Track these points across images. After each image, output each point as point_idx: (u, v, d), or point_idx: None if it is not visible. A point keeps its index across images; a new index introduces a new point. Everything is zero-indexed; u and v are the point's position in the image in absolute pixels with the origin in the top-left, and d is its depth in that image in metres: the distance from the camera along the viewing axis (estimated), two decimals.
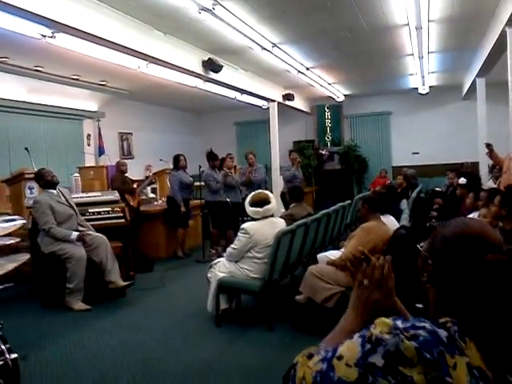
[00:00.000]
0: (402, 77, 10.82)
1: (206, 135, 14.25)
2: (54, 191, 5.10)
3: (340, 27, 6.92)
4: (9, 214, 5.77)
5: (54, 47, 6.28)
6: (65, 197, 5.16)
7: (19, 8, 4.41)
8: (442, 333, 0.93)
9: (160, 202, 8.24)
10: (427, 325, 0.94)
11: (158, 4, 5.54)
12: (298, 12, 6.22)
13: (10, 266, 2.52)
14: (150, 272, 6.45)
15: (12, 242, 2.63)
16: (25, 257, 2.65)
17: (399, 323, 0.95)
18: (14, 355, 2.62)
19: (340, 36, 7.36)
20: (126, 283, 5.13)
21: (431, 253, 1.08)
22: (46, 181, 5.11)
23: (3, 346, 2.59)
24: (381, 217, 4.51)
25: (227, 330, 4.20)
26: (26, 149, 6.88)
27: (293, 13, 6.25)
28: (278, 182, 10.20)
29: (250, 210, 4.32)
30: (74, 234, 4.96)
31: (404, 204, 5.99)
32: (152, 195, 8.51)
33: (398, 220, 4.91)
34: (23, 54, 7.23)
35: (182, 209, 7.20)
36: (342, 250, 4.47)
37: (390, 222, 4.55)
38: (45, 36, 5.73)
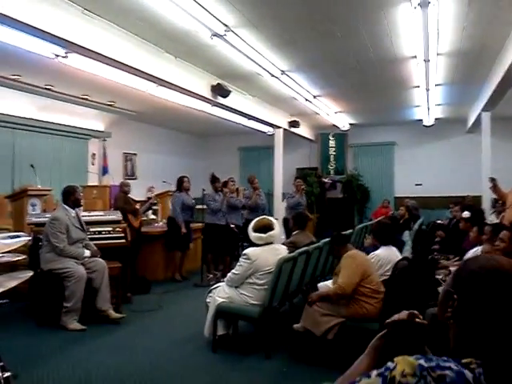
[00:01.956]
0: (407, 108, 10.91)
1: (209, 159, 14.30)
2: (73, 212, 5.10)
3: (348, 57, 7.02)
4: (9, 230, 5.77)
5: (65, 67, 6.38)
6: (79, 219, 5.16)
7: (34, 27, 4.50)
8: (468, 374, 0.88)
9: (161, 223, 8.22)
10: (452, 365, 0.89)
11: (170, 27, 5.62)
12: (308, 40, 6.32)
13: (12, 283, 2.49)
14: (146, 294, 6.38)
15: (19, 258, 2.60)
16: (28, 274, 2.63)
17: (423, 362, 0.90)
18: (6, 374, 2.58)
19: (348, 65, 7.46)
20: (117, 316, 5.06)
21: (457, 287, 1.03)
22: (75, 199, 5.14)
23: None
24: (384, 247, 4.50)
25: (224, 356, 4.13)
26: (32, 166, 6.92)
27: (303, 41, 6.35)
28: (280, 209, 10.19)
29: (253, 235, 4.29)
30: (87, 253, 5.01)
31: (406, 235, 5.95)
32: (153, 216, 8.50)
33: (400, 251, 4.88)
34: (35, 73, 7.34)
35: (183, 230, 7.17)
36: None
37: (393, 253, 4.50)
38: (58, 56, 5.83)
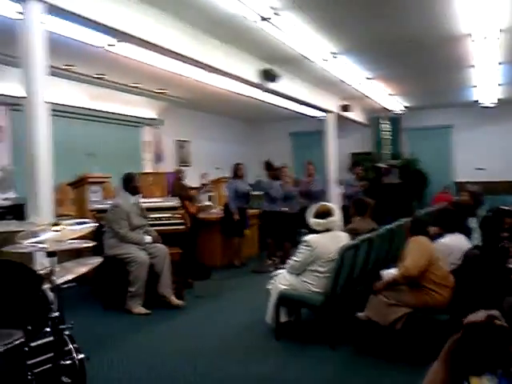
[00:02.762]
0: (464, 89, 10.39)
1: (260, 145, 14.20)
2: (133, 199, 5.17)
3: (401, 37, 6.69)
4: (72, 217, 5.92)
5: (116, 56, 6.44)
6: (140, 206, 5.22)
7: (86, 18, 4.52)
8: None
9: (217, 210, 8.23)
10: None
11: (216, 12, 5.51)
12: (359, 21, 6.06)
13: (82, 270, 2.51)
14: (206, 280, 6.41)
15: (90, 244, 2.62)
16: (98, 260, 2.64)
17: None
18: (81, 355, 2.61)
19: (400, 46, 7.13)
20: (178, 302, 5.12)
21: None
22: (133, 186, 5.24)
23: (71, 346, 2.58)
24: (450, 235, 4.29)
25: (287, 344, 4.09)
26: (91, 154, 7.07)
27: (353, 22, 6.10)
28: (335, 195, 10.00)
29: (312, 221, 4.20)
30: (148, 239, 5.10)
31: (473, 222, 5.67)
32: (208, 203, 8.52)
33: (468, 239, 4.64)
34: (87, 62, 7.43)
35: (236, 217, 7.15)
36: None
37: (461, 241, 4.30)
38: (109, 45, 5.89)
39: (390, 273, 4.33)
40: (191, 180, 8.26)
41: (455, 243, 4.20)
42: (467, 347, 1.11)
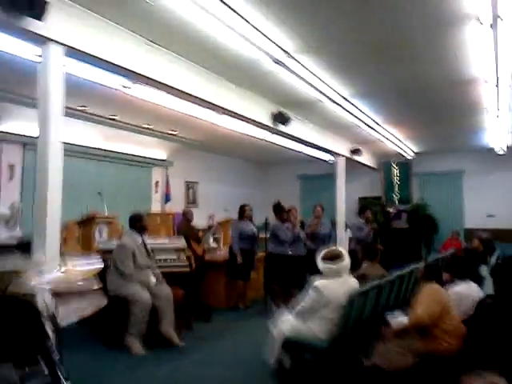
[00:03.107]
0: (476, 133, 10.42)
1: (269, 187, 14.23)
2: (140, 238, 5.15)
3: (414, 81, 6.78)
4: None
5: (129, 97, 6.58)
6: (146, 246, 5.20)
7: (102, 59, 4.65)
8: None
9: (223, 251, 8.15)
10: None
11: (230, 55, 5.63)
12: (372, 65, 6.15)
13: (87, 312, 2.46)
14: (208, 322, 6.28)
15: (97, 287, 2.58)
16: (102, 302, 2.60)
17: None
18: None
19: (413, 90, 7.22)
20: (180, 343, 5.03)
21: None
22: (141, 225, 5.25)
23: None
24: (462, 283, 4.20)
25: None
26: (99, 193, 7.10)
27: (367, 66, 6.19)
28: (344, 238, 9.91)
29: (321, 265, 4.12)
30: (153, 280, 5.05)
31: (484, 270, 5.56)
32: (214, 245, 8.46)
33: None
34: (101, 104, 7.59)
35: (239, 259, 7.03)
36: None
37: (473, 290, 4.19)
38: (123, 86, 6.02)
39: (397, 320, 4.21)
40: (198, 221, 8.24)
41: (467, 291, 4.10)
42: None
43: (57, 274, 2.49)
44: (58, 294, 2.42)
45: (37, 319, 2.04)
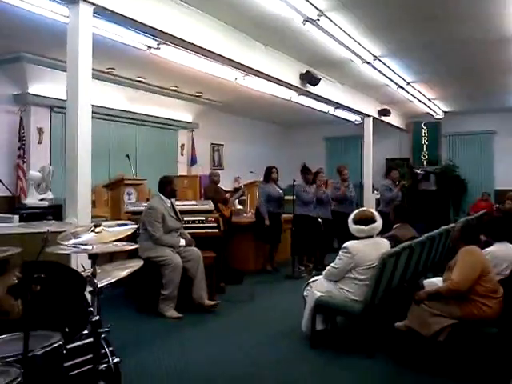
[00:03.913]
0: (509, 94, 10.07)
1: (295, 149, 14.10)
2: (169, 201, 5.17)
3: (449, 39, 6.55)
4: (107, 218, 5.96)
5: (156, 58, 6.50)
6: (175, 209, 5.21)
7: (130, 18, 4.57)
8: None
9: (249, 214, 8.17)
10: None
11: (260, 14, 5.50)
12: (406, 23, 5.96)
13: (123, 273, 2.48)
14: (239, 284, 6.35)
15: (132, 247, 2.60)
16: (138, 263, 2.61)
17: None
18: (116, 359, 2.58)
19: (448, 48, 6.97)
20: (212, 303, 5.07)
21: None
22: (171, 189, 5.23)
23: (107, 349, 2.55)
24: (498, 244, 4.10)
25: (323, 352, 3.96)
26: (127, 156, 7.12)
27: (400, 24, 5.99)
28: (371, 201, 9.81)
29: (353, 227, 4.07)
30: (182, 242, 5.07)
31: None
32: (240, 207, 8.47)
33: None
34: (127, 65, 7.55)
35: (266, 222, 7.00)
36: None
37: (509, 251, 4.10)
38: (150, 47, 5.94)
39: (432, 282, 4.17)
40: (224, 183, 8.24)
41: (504, 252, 4.01)
42: None
43: (91, 235, 2.50)
44: (93, 255, 2.43)
45: (79, 285, 2.06)
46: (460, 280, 3.45)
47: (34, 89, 7.51)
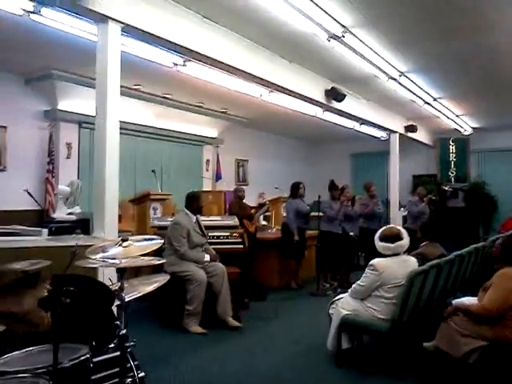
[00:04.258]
0: None
1: (320, 165, 14.08)
2: (194, 217, 5.20)
3: (476, 51, 6.44)
4: (132, 233, 6.01)
5: (182, 75, 6.61)
6: (200, 225, 5.24)
7: (157, 36, 4.65)
8: None
9: (274, 230, 8.14)
10: None
11: (285, 31, 5.55)
12: (431, 36, 5.89)
13: (150, 288, 2.49)
14: (263, 301, 6.31)
15: (160, 262, 2.63)
16: (165, 277, 2.63)
17: None
18: (142, 373, 2.58)
19: (474, 64, 6.89)
20: (235, 324, 5.03)
21: None
22: (198, 205, 5.26)
23: (132, 363, 2.56)
24: None
25: (349, 372, 3.89)
26: (153, 171, 7.21)
27: (426, 39, 5.96)
28: (397, 217, 9.69)
29: (380, 245, 4.02)
30: (207, 257, 5.09)
31: None
32: (264, 222, 8.46)
33: None
34: (154, 82, 7.68)
35: (296, 237, 6.98)
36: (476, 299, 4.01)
37: None
38: (176, 64, 6.04)
39: (461, 302, 4.07)
40: (249, 199, 8.24)
41: None
42: None
43: (118, 249, 2.52)
44: (121, 269, 2.45)
45: (108, 299, 2.07)
46: (491, 306, 3.37)
47: (63, 105, 7.69)
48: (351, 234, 7.10)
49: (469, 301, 4.01)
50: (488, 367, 3.35)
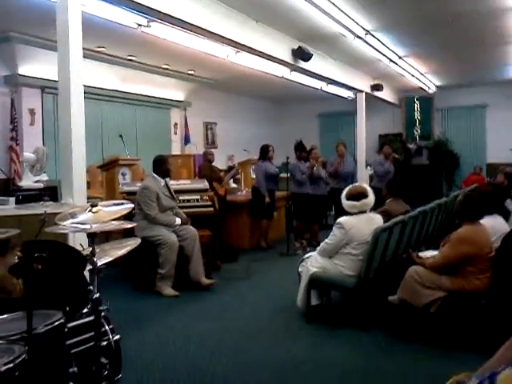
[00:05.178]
0: (502, 66, 10.08)
1: (288, 126, 14.10)
2: (163, 181, 5.18)
3: (440, 11, 6.49)
4: (101, 199, 5.97)
5: (147, 36, 6.43)
6: (169, 188, 5.23)
7: None
8: None
9: (244, 192, 8.21)
10: None
11: None
12: None
13: (121, 252, 2.52)
14: (234, 262, 6.43)
15: (130, 225, 2.65)
16: (137, 241, 2.65)
17: None
18: (116, 336, 2.64)
19: (439, 21, 6.93)
20: (209, 282, 5.13)
21: None
22: (165, 169, 5.24)
23: (107, 327, 2.61)
24: (488, 217, 4.15)
25: (318, 327, 4.06)
26: (121, 136, 7.10)
27: None
28: (364, 176, 9.87)
29: (346, 203, 4.13)
30: (178, 220, 5.10)
31: (509, 204, 5.51)
32: (234, 185, 8.51)
33: (506, 221, 4.50)
34: (118, 44, 7.47)
35: (267, 199, 7.08)
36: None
37: (499, 223, 4.17)
38: (140, 25, 5.88)
39: (425, 256, 4.25)
40: (218, 162, 8.25)
41: (493, 225, 4.06)
42: None
43: (88, 214, 2.52)
44: (91, 234, 2.46)
45: (80, 264, 2.09)
46: (441, 262, 3.59)
47: (24, 70, 7.43)
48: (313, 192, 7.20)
49: (431, 254, 4.20)
50: (448, 316, 3.55)
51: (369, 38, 7.45)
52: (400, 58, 9.04)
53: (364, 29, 7.08)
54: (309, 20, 6.53)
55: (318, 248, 4.27)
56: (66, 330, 2.19)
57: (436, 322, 3.59)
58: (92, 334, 2.44)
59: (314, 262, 4.18)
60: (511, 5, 6.11)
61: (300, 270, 4.35)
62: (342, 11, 6.20)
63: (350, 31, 6.98)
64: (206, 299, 4.87)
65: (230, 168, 8.14)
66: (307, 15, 6.29)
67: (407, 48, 8.51)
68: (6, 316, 2.16)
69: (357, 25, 6.81)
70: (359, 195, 4.12)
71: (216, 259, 5.89)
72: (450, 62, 9.84)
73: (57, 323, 2.09)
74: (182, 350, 3.62)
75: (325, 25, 6.70)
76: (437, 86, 12.10)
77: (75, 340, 2.41)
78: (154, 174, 5.22)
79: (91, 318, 2.47)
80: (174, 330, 4.02)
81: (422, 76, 10.81)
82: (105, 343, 2.49)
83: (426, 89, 11.93)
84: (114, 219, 2.56)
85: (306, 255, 4.48)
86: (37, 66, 7.44)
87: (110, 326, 2.66)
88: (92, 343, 2.45)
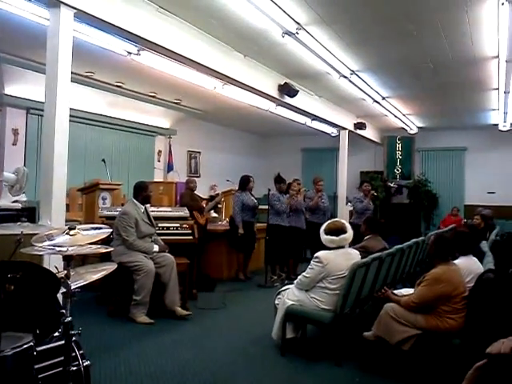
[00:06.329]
0: (481, 111, 10.41)
1: (271, 159, 14.24)
2: (142, 207, 5.17)
3: (424, 57, 6.76)
4: (80, 223, 5.91)
5: (136, 64, 6.53)
6: (148, 215, 5.22)
7: (110, 23, 4.58)
8: None
9: (224, 222, 8.21)
10: None
11: (241, 25, 5.59)
12: (383, 40, 6.13)
13: (97, 276, 2.50)
14: (211, 292, 6.37)
15: (107, 250, 2.63)
16: (113, 266, 2.63)
17: None
18: (87, 362, 2.58)
19: (422, 66, 7.18)
20: (184, 313, 5.07)
21: None
22: (145, 195, 5.23)
23: (78, 352, 2.55)
24: (463, 257, 4.23)
25: (292, 360, 4.02)
26: (103, 160, 7.09)
27: (377, 40, 6.16)
28: (344, 212, 9.97)
29: (324, 238, 4.16)
30: (156, 247, 5.08)
31: (484, 246, 5.62)
32: (215, 215, 8.51)
33: (480, 262, 4.58)
34: (107, 70, 7.54)
35: (240, 231, 7.05)
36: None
37: (474, 264, 4.24)
38: (130, 53, 5.97)
39: (400, 293, 4.28)
40: (200, 191, 8.27)
41: (467, 266, 4.13)
42: (492, 377, 1.09)
43: (65, 237, 2.51)
44: (67, 257, 2.44)
45: (53, 286, 2.07)
46: (416, 302, 3.61)
47: (10, 90, 7.43)
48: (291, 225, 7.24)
49: (407, 292, 4.24)
50: (421, 354, 3.57)
51: (354, 78, 7.65)
52: (383, 98, 9.28)
53: (349, 69, 7.27)
54: (296, 57, 6.71)
55: (296, 281, 4.27)
56: (35, 353, 2.15)
57: (410, 359, 3.60)
58: (62, 358, 2.39)
59: (290, 295, 4.18)
60: (490, 54, 6.37)
61: (276, 302, 4.34)
62: (328, 51, 6.38)
63: (336, 70, 7.17)
64: (181, 329, 4.80)
65: (212, 197, 8.15)
66: (294, 53, 6.47)
67: (391, 89, 8.75)
68: None
69: (342, 64, 7.00)
70: (338, 230, 4.16)
71: (193, 288, 5.83)
72: (431, 105, 10.13)
73: (25, 346, 2.05)
74: (153, 378, 3.55)
75: (311, 63, 6.89)
76: (418, 128, 12.40)
77: (44, 364, 2.36)
78: (134, 200, 5.21)
79: (62, 342, 2.42)
80: (147, 359, 3.94)
81: (404, 117, 11.09)
82: (74, 369, 2.44)
83: (408, 129, 12.22)
84: (92, 243, 2.54)
85: (283, 288, 4.47)
86: (23, 86, 7.46)
87: (81, 352, 2.60)
88: (61, 368, 2.39)
